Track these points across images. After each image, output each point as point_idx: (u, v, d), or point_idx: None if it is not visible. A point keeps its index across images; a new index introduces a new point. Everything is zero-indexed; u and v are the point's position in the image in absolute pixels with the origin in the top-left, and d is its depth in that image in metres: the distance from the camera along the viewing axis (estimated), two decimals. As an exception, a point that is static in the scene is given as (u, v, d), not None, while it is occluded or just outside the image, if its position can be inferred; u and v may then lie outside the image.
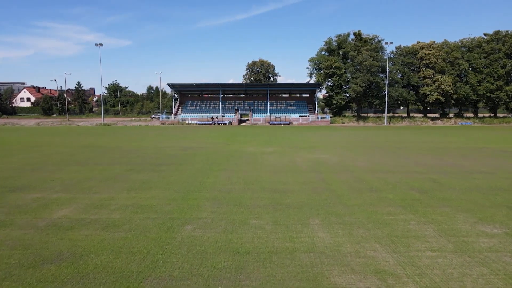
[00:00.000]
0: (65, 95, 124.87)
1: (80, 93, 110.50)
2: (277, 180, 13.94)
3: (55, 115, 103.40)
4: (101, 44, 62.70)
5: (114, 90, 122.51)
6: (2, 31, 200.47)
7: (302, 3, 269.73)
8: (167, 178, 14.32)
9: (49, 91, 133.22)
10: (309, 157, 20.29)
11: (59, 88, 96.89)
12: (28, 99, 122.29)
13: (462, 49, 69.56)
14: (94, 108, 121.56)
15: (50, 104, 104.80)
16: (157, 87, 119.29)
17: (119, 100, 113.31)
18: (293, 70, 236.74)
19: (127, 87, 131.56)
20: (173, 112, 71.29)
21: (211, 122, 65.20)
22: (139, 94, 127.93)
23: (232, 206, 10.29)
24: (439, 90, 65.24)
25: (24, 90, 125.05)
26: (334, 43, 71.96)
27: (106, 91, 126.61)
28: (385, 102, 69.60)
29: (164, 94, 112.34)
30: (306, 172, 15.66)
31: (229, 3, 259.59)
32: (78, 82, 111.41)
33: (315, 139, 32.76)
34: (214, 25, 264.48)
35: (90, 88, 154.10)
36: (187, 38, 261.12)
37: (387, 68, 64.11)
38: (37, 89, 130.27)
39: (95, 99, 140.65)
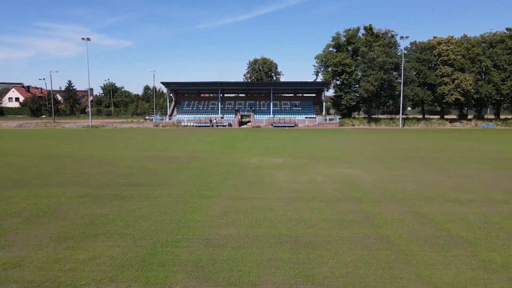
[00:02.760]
0: (57, 95, 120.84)
1: (71, 93, 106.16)
2: (297, 216, 9.38)
3: (44, 116, 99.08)
4: (88, 39, 58.26)
5: (110, 90, 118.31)
6: (3, 32, 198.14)
7: (305, 4, 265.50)
8: (132, 212, 9.77)
9: (39, 90, 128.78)
10: (332, 174, 15.70)
11: (50, 88, 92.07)
12: (17, 99, 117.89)
13: (483, 44, 64.95)
14: (87, 109, 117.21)
15: (38, 104, 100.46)
16: (154, 87, 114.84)
17: (111, 100, 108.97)
18: (296, 72, 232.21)
19: (123, 87, 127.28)
20: (168, 113, 66.77)
21: (209, 124, 60.69)
22: (137, 95, 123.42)
23: None
24: (458, 90, 60.59)
25: (13, 89, 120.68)
26: (343, 39, 67.37)
27: (101, 91, 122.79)
28: (399, 102, 65.03)
29: (162, 94, 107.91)
30: (335, 200, 11.07)
31: (231, 4, 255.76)
32: (69, 81, 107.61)
33: (330, 146, 28.18)
34: (215, 26, 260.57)
35: (89, 89, 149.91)
36: (188, 39, 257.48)
37: (402, 65, 59.52)
38: (27, 88, 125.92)
39: (90, 99, 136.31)
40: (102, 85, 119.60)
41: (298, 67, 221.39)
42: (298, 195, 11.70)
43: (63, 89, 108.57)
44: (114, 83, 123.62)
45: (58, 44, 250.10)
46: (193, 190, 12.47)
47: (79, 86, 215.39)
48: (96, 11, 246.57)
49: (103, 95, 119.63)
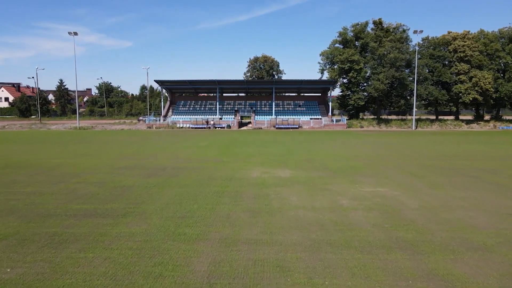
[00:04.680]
0: (50, 94, 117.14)
1: (63, 92, 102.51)
2: (331, 286, 5.70)
3: (33, 116, 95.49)
4: (75, 33, 54.50)
5: (105, 89, 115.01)
6: (3, 32, 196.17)
7: (306, 4, 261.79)
8: (60, 276, 6.10)
9: (31, 90, 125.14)
10: (360, 194, 12.03)
11: (37, 86, 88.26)
12: (6, 99, 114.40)
13: (502, 40, 61.27)
14: (81, 109, 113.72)
15: (27, 104, 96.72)
16: (151, 86, 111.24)
17: (105, 100, 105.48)
18: (297, 73, 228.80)
19: (119, 87, 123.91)
20: (162, 114, 63.09)
21: (206, 126, 57.04)
22: (134, 95, 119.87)
23: None
24: (476, 88, 56.85)
25: (2, 89, 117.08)
26: (350, 34, 63.66)
27: (97, 91, 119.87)
28: (410, 102, 61.44)
29: (159, 94, 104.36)
30: (382, 247, 7.39)
31: (231, 5, 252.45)
32: (61, 80, 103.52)
33: (344, 152, 24.48)
34: (216, 26, 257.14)
35: (87, 89, 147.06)
36: (188, 40, 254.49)
37: (416, 62, 55.79)
38: (17, 87, 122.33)
39: (85, 99, 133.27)
40: (98, 85, 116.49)
41: (299, 67, 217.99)
42: (323, 237, 8.01)
43: (44, 87, 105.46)
44: (110, 83, 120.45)
45: (59, 44, 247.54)
46: (169, 225, 8.81)
47: (78, 86, 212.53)
48: (96, 11, 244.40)
49: (98, 95, 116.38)
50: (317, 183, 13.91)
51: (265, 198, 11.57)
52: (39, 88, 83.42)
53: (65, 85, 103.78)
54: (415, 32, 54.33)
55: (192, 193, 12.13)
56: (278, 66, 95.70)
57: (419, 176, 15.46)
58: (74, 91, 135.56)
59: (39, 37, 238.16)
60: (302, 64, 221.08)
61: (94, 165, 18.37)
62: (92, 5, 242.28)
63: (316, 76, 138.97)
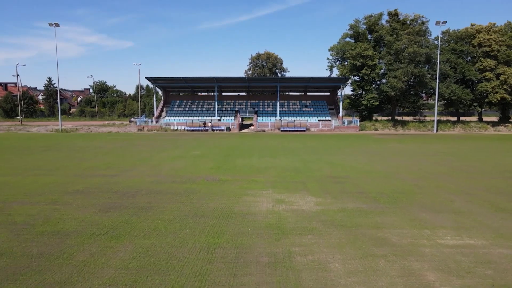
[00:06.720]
0: (40, 95, 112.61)
1: (51, 92, 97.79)
2: None
3: (19, 117, 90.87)
4: (56, 24, 49.80)
5: (100, 89, 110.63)
6: (4, 33, 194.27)
7: (306, 4, 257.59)
8: None
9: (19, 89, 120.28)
10: (448, 256, 7.23)
11: (19, 84, 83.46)
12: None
13: (531, 33, 56.43)
14: (71, 109, 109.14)
15: (13, 104, 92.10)
16: (147, 85, 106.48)
17: (95, 100, 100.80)
18: (300, 73, 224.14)
19: (114, 86, 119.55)
20: (155, 115, 58.28)
21: (202, 128, 52.26)
22: (131, 94, 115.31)
23: None
24: (505, 87, 52.01)
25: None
26: (363, 26, 58.87)
27: (91, 90, 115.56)
28: (429, 101, 56.56)
29: (157, 94, 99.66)
30: None
31: (232, 5, 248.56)
32: (49, 79, 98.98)
33: (377, 165, 19.61)
34: (217, 26, 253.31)
35: (85, 89, 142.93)
36: (189, 40, 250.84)
37: (438, 57, 50.91)
38: (4, 86, 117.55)
39: (79, 99, 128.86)
40: (92, 84, 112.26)
41: (300, 68, 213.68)
42: None
43: (35, 86, 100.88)
44: (105, 82, 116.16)
45: (60, 44, 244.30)
46: None
47: (77, 86, 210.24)
48: (97, 11, 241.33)
49: (93, 94, 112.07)
50: (363, 226, 9.11)
51: (287, 265, 6.77)
52: (21, 86, 78.47)
53: (54, 84, 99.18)
54: (437, 23, 49.44)
55: (162, 253, 7.35)
56: (281, 63, 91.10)
57: (506, 210, 10.66)
58: (68, 90, 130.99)
59: (40, 38, 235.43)
60: (303, 64, 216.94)
61: (41, 187, 13.60)
62: (93, 5, 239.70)
63: (321, 75, 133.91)
